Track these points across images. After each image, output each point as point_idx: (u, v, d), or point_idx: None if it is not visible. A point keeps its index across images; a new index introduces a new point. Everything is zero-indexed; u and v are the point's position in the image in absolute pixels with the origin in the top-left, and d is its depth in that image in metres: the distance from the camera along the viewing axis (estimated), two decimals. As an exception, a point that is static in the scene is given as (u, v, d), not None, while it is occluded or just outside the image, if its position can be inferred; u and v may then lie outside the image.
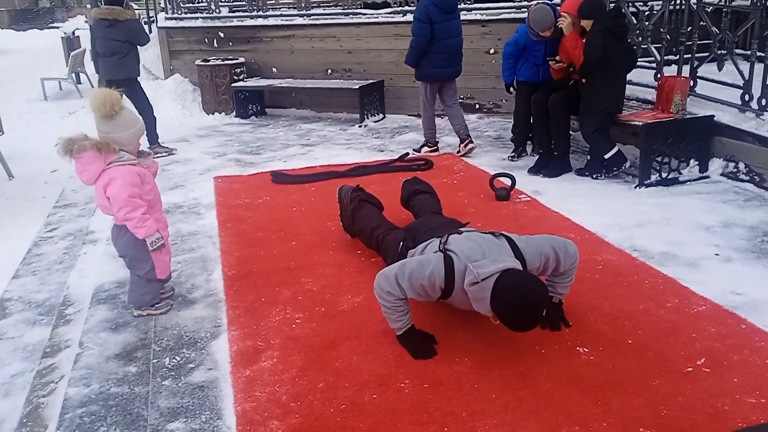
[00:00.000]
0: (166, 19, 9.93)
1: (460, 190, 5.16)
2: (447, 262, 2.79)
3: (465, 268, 2.73)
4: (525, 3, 7.42)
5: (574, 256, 3.00)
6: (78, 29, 15.31)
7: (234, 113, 8.72)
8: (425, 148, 6.53)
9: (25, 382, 2.97)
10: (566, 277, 3.04)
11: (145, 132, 6.21)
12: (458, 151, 6.31)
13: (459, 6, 6.61)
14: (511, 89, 6.02)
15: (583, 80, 5.18)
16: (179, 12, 9.77)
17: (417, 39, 5.92)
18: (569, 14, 5.22)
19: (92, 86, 12.26)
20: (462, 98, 7.99)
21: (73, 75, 11.98)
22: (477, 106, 7.99)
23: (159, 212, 3.36)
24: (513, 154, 6.12)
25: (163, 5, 11.37)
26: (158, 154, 6.73)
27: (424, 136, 6.56)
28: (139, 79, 6.89)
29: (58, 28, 24.43)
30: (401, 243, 3.41)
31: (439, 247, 2.91)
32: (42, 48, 18.57)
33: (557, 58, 5.44)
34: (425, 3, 5.89)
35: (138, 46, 6.76)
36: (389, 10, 8.30)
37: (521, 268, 2.75)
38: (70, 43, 13.09)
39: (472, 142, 6.29)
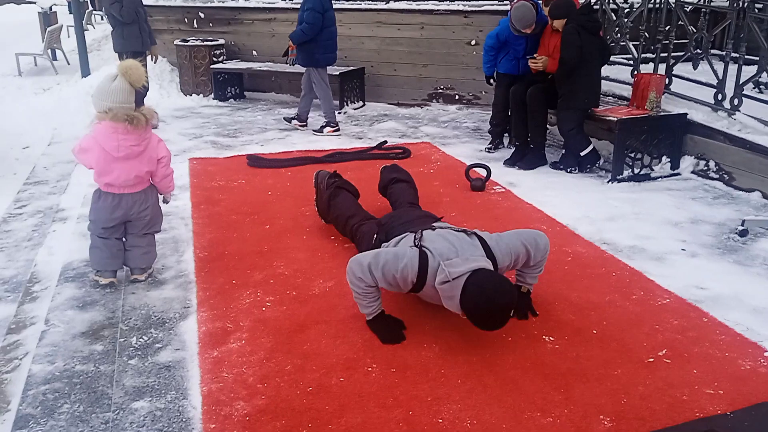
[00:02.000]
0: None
1: (436, 179, 5.18)
2: (421, 258, 2.83)
3: (438, 266, 2.77)
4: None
5: (544, 249, 3.04)
6: (55, 5, 14.98)
7: (212, 95, 8.62)
8: (327, 128, 6.74)
9: (-12, 358, 2.94)
10: (536, 269, 3.10)
11: None
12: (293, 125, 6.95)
13: None
14: (491, 81, 6.05)
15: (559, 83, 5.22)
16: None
17: (311, 27, 6.37)
18: None
19: (68, 63, 12.06)
20: (442, 89, 8.03)
21: (49, 51, 11.78)
22: (457, 97, 8.01)
23: None
24: (490, 145, 6.16)
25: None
26: None
27: (327, 117, 6.77)
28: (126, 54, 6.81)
29: (34, 2, 23.90)
30: (375, 236, 3.42)
31: (414, 243, 2.94)
32: (18, 23, 18.17)
33: (536, 55, 5.47)
34: None
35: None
36: (372, -3, 8.27)
37: (492, 268, 2.80)
38: (47, 18, 12.85)
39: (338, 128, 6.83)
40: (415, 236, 2.99)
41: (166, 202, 3.59)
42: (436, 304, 2.93)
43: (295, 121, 6.99)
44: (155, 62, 7.29)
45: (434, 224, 3.19)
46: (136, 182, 3.32)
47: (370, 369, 2.69)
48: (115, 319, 3.11)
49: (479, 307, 2.66)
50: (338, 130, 6.79)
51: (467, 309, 2.69)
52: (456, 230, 3.04)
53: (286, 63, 7.15)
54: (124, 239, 3.44)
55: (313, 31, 6.38)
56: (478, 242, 2.93)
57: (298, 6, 8.48)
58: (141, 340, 2.93)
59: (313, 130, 6.78)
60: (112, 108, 3.16)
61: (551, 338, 2.91)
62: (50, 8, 13.76)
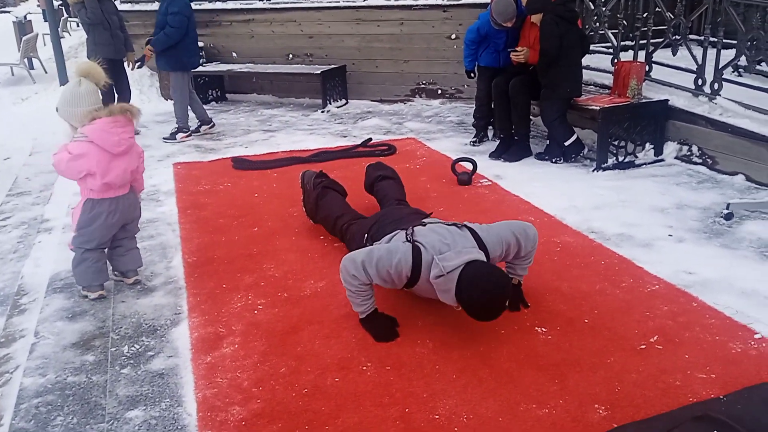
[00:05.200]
0: (122, 2, 9.67)
1: (423, 174, 5.19)
2: (415, 253, 2.83)
3: (432, 260, 2.78)
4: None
5: (534, 239, 3.06)
6: (30, 13, 14.80)
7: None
8: (180, 134, 6.72)
9: (-22, 374, 2.90)
10: (526, 260, 3.11)
11: None
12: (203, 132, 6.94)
13: None
14: (472, 75, 6.05)
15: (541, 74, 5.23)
16: (136, -5, 9.54)
17: (176, 30, 6.37)
18: None
19: (45, 72, 11.92)
20: (424, 84, 8.03)
21: (26, 60, 11.64)
22: (439, 92, 8.01)
23: None
24: (474, 139, 6.16)
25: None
26: None
27: (180, 122, 6.76)
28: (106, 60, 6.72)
29: (9, 12, 23.61)
30: (365, 235, 3.41)
31: (407, 238, 2.94)
32: (-8, 32, 17.94)
33: (517, 48, 5.48)
34: None
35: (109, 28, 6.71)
36: (350, -6, 8.24)
37: (485, 259, 2.81)
38: (22, 27, 12.72)
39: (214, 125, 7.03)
40: (406, 232, 3.00)
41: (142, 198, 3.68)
42: (431, 298, 2.94)
43: (203, 128, 6.95)
44: (132, 69, 7.23)
45: (424, 220, 3.19)
46: (129, 179, 3.32)
47: (364, 368, 2.69)
48: (105, 329, 3.09)
49: (475, 299, 2.67)
50: (191, 135, 6.77)
51: (463, 301, 2.70)
52: (447, 224, 3.05)
53: (135, 67, 7.16)
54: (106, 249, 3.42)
55: (179, 34, 6.37)
56: (469, 234, 2.94)
57: (277, 6, 8.54)
58: (133, 348, 2.91)
59: (164, 138, 6.73)
60: (96, 108, 3.15)
61: (544, 329, 2.92)
62: (25, 17, 13.62)
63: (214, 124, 7.05)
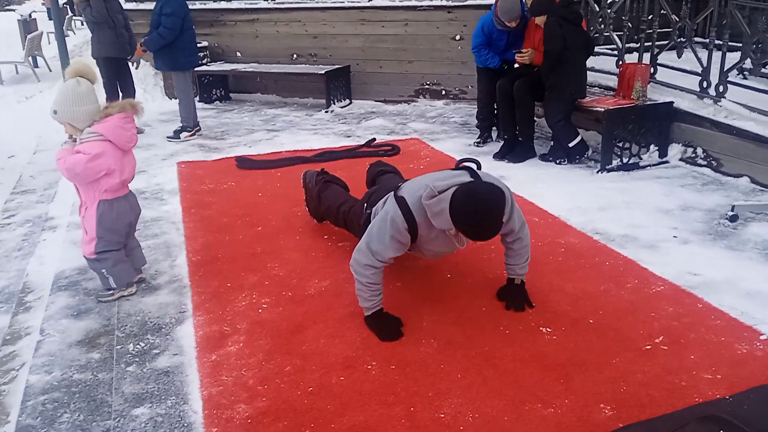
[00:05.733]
0: (127, 1, 9.69)
1: (426, 175, 5.18)
2: (401, 203, 2.82)
3: (417, 200, 2.75)
4: (490, -11, 7.46)
5: (522, 219, 3.04)
6: (35, 11, 14.83)
7: (197, 98, 8.56)
8: (184, 133, 6.70)
9: (-16, 370, 2.91)
10: (522, 255, 3.09)
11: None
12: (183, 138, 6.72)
13: None
14: (505, 66, 5.86)
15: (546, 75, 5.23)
16: (140, -6, 9.55)
17: (170, 31, 6.35)
18: None
19: (50, 70, 11.95)
20: (428, 84, 8.03)
21: (30, 59, 11.67)
22: (443, 92, 8.01)
23: None
24: (478, 139, 6.17)
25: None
26: None
27: (184, 121, 6.74)
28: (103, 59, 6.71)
29: (14, 10, 23.68)
30: (365, 204, 3.41)
31: (394, 196, 2.93)
32: (-3, 31, 17.99)
33: (522, 50, 5.49)
34: None
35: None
36: (355, -6, 8.25)
37: None
38: (27, 25, 12.74)
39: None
40: (395, 192, 2.97)
41: None
42: (439, 251, 2.96)
43: (184, 134, 6.76)
44: (137, 68, 7.24)
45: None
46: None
47: (369, 367, 2.69)
48: (110, 327, 3.09)
49: (471, 214, 2.61)
50: (194, 135, 6.74)
51: (458, 217, 2.63)
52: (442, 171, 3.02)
53: (132, 64, 7.12)
54: None
55: (171, 36, 6.36)
56: (464, 171, 2.90)
57: (281, 6, 8.55)
58: (138, 346, 2.92)
59: (168, 137, 6.72)
60: (101, 105, 3.16)
61: (548, 329, 2.92)
62: (30, 15, 13.65)
63: (200, 129, 6.90)
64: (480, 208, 2.61)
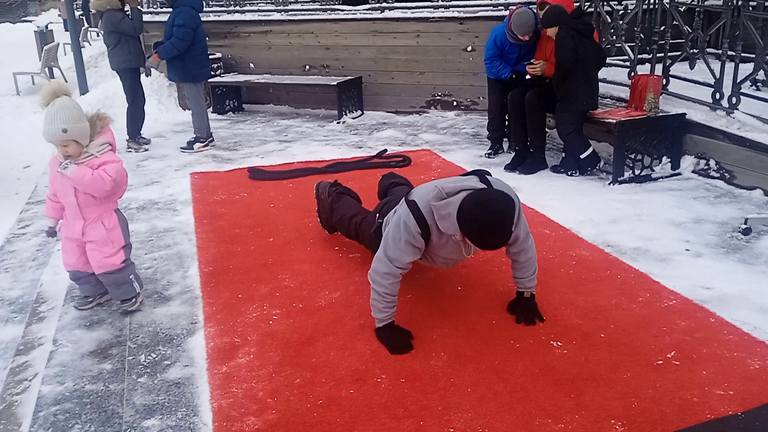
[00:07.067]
0: (143, 13, 9.81)
1: (438, 186, 5.19)
2: (412, 207, 2.83)
3: (427, 203, 2.77)
4: (502, 1, 7.48)
5: (528, 230, 3.04)
6: (51, 23, 15.03)
7: (211, 109, 8.63)
8: (198, 144, 6.73)
9: (-3, 381, 2.94)
10: (528, 267, 3.07)
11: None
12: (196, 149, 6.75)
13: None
14: (513, 76, 5.86)
15: (557, 87, 5.23)
16: (155, 6, 9.67)
17: (181, 42, 6.39)
18: None
19: (66, 81, 12.10)
20: (440, 95, 8.05)
21: (47, 69, 11.82)
22: (454, 104, 8.02)
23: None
24: (490, 151, 6.17)
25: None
26: (130, 150, 6.72)
27: (198, 132, 6.78)
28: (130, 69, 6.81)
29: (30, 21, 24.02)
30: (377, 215, 3.43)
31: (405, 200, 2.94)
32: (14, 42, 18.24)
33: (533, 61, 5.50)
34: (186, 10, 6.38)
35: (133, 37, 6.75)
36: (367, 6, 8.29)
37: None
38: (43, 36, 12.91)
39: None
40: (405, 197, 2.99)
41: None
42: (449, 257, 2.97)
43: (197, 144, 6.79)
44: (148, 76, 7.32)
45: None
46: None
47: (379, 380, 2.69)
48: (122, 338, 3.11)
49: (478, 221, 2.59)
50: (208, 146, 6.78)
51: (465, 224, 2.63)
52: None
53: (145, 71, 7.16)
54: None
55: (183, 46, 6.42)
56: (474, 176, 2.93)
57: (294, 18, 8.62)
58: (149, 357, 2.94)
59: (181, 148, 6.76)
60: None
61: (559, 343, 2.91)
62: (46, 27, 13.84)
63: (213, 140, 6.95)
64: (488, 217, 2.60)
